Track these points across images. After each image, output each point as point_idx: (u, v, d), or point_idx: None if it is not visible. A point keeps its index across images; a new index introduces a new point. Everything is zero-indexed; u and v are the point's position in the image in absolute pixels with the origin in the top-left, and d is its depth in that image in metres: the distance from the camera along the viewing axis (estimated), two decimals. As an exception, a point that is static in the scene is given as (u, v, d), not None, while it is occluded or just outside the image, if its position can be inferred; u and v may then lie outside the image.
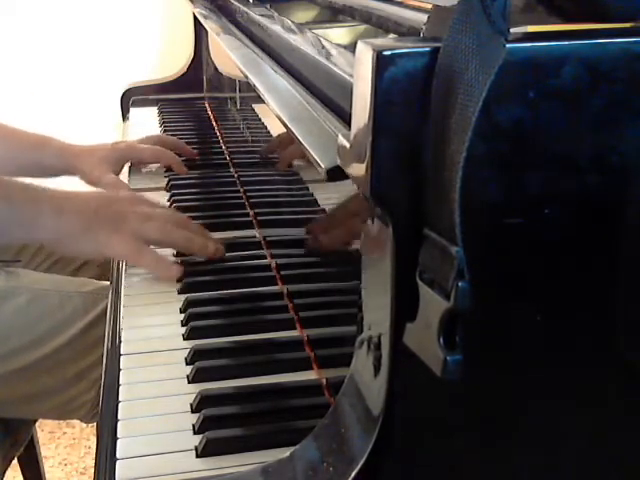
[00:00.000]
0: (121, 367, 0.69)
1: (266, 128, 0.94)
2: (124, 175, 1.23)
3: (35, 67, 1.97)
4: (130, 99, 1.64)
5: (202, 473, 0.56)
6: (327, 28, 1.08)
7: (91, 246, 0.84)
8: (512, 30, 0.37)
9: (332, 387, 0.62)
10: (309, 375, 0.67)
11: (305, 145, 0.52)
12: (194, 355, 0.70)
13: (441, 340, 0.37)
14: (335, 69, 0.55)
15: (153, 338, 0.74)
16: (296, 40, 0.72)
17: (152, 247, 0.86)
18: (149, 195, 0.99)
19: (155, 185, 1.16)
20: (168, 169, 1.21)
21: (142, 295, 0.83)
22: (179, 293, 0.82)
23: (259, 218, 0.97)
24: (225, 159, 1.24)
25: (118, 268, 0.90)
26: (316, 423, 0.49)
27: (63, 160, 1.15)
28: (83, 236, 0.84)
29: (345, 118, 0.49)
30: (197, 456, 0.58)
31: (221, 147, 1.30)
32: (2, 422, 1.03)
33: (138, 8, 2.01)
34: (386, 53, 0.38)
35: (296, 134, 0.55)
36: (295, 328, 0.74)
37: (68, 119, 1.93)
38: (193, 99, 1.64)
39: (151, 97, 1.65)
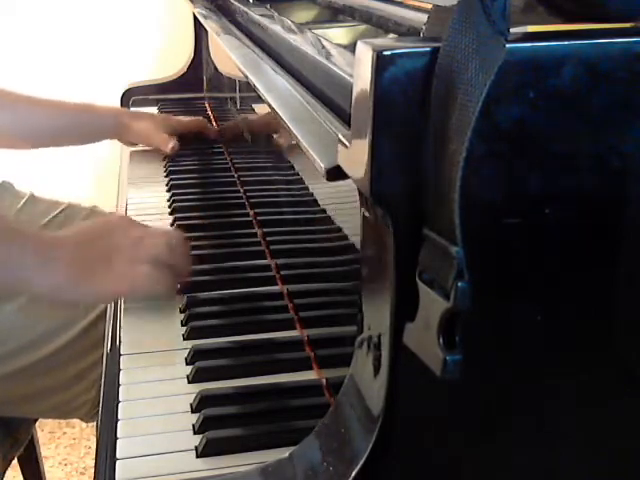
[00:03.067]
0: (121, 367, 0.69)
1: (266, 128, 0.94)
2: (123, 176, 1.24)
3: (35, 67, 1.97)
4: (130, 99, 1.64)
5: (202, 473, 0.56)
6: (327, 28, 1.08)
7: (92, 293, 0.76)
8: (512, 30, 0.37)
9: (332, 387, 0.62)
10: (309, 375, 0.67)
11: (305, 145, 0.52)
12: (194, 355, 0.70)
13: (441, 340, 0.37)
14: (335, 69, 0.55)
15: (153, 338, 0.74)
16: (296, 40, 0.72)
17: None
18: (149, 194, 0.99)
19: (155, 186, 1.16)
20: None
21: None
22: (179, 293, 0.82)
23: (259, 218, 0.97)
24: (225, 159, 1.24)
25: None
26: (316, 423, 0.49)
27: (114, 120, 1.20)
28: (75, 287, 0.74)
29: (345, 118, 0.49)
30: (197, 456, 0.58)
31: (221, 147, 1.30)
32: (2, 422, 1.03)
33: (138, 8, 2.01)
34: (386, 53, 0.38)
35: (296, 134, 0.55)
36: (295, 328, 0.74)
37: (68, 119, 1.93)
38: (193, 99, 1.64)
39: (151, 97, 1.65)
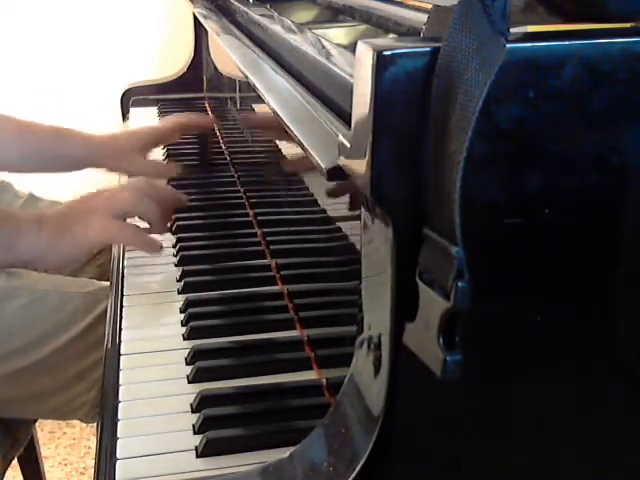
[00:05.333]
0: (121, 367, 0.69)
1: (266, 128, 0.94)
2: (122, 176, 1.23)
3: (36, 67, 1.97)
4: (130, 99, 1.64)
5: (202, 473, 0.56)
6: (327, 28, 1.08)
7: (72, 246, 0.86)
8: (512, 30, 0.37)
9: (332, 387, 0.62)
10: (309, 375, 0.67)
11: (305, 145, 0.52)
12: (194, 355, 0.70)
13: (441, 340, 0.37)
14: (335, 69, 0.55)
15: (153, 338, 0.74)
16: (296, 40, 0.72)
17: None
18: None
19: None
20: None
21: (142, 295, 0.83)
22: (179, 293, 0.82)
23: (259, 218, 0.97)
24: (225, 159, 1.24)
25: (118, 268, 0.90)
26: (316, 423, 0.49)
27: (86, 150, 1.12)
28: (62, 240, 0.85)
29: (345, 118, 0.49)
30: (197, 456, 0.58)
31: (221, 147, 1.30)
32: (2, 422, 1.02)
33: (138, 8, 2.01)
34: (386, 53, 0.38)
35: (296, 134, 0.55)
36: (295, 328, 0.74)
37: (68, 119, 1.92)
38: (193, 99, 1.64)
39: (151, 97, 1.65)
